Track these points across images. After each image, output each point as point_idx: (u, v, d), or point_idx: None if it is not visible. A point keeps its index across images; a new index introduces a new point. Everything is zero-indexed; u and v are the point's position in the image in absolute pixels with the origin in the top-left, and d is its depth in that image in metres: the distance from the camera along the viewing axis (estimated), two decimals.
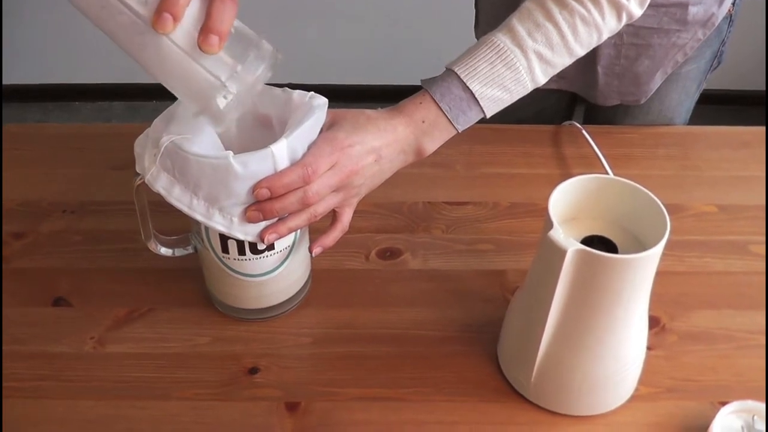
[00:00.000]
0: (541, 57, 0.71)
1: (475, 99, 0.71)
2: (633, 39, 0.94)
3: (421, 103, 0.72)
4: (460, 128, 0.73)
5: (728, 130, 1.05)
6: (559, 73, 1.01)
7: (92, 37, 2.69)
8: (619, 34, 0.93)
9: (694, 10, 0.92)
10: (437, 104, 0.72)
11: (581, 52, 0.74)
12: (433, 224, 0.89)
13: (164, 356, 0.75)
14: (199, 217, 0.65)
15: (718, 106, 2.13)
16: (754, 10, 2.25)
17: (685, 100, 1.05)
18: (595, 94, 1.02)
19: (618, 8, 0.72)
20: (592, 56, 0.97)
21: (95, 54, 2.42)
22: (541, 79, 0.73)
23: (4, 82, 2.37)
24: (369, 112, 0.72)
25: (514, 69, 0.71)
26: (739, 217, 0.91)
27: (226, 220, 0.65)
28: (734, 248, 0.87)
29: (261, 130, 0.71)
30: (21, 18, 2.34)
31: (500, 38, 0.71)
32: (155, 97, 2.41)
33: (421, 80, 0.74)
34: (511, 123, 0.96)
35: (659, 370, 0.74)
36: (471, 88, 0.71)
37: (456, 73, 0.71)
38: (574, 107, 1.16)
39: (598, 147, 0.95)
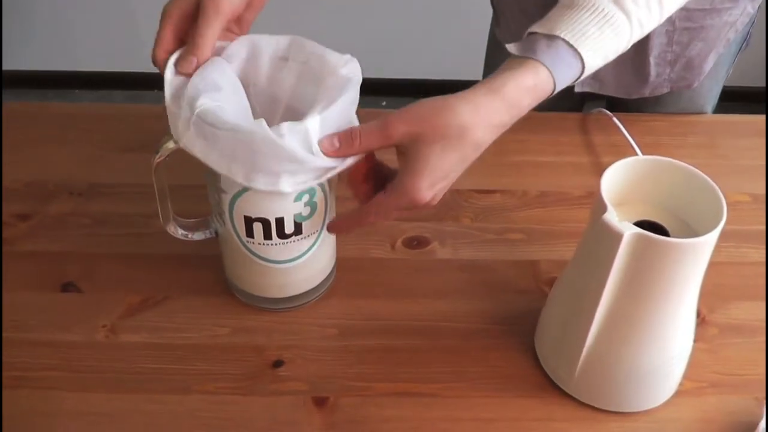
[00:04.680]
0: (640, 25, 0.64)
1: (582, 71, 0.63)
2: (685, 23, 0.90)
3: (535, 85, 0.61)
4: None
5: (756, 119, 1.02)
6: (597, 77, 0.98)
7: (93, 24, 2.66)
8: (671, 21, 0.90)
9: None
10: (554, 83, 0.62)
11: (658, 24, 0.67)
12: (461, 213, 0.85)
13: (182, 347, 0.70)
14: (240, 180, 0.60)
15: (733, 103, 2.10)
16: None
17: (714, 86, 1.02)
18: (644, 90, 0.98)
19: None
20: (643, 49, 0.93)
21: (96, 42, 2.37)
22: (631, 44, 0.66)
23: (3, 68, 2.31)
24: (466, 119, 0.59)
25: (612, 26, 0.63)
26: None
27: (271, 178, 0.60)
28: None
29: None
30: (20, 3, 2.28)
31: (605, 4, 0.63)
32: (156, 86, 2.36)
33: (525, 49, 0.63)
34: None
35: (702, 363, 0.71)
36: (583, 57, 0.62)
37: (569, 43, 0.62)
38: (585, 100, 1.12)
39: (629, 134, 0.92)
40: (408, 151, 0.60)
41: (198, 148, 0.60)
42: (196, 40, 0.62)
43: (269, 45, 0.66)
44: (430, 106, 0.60)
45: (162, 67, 0.63)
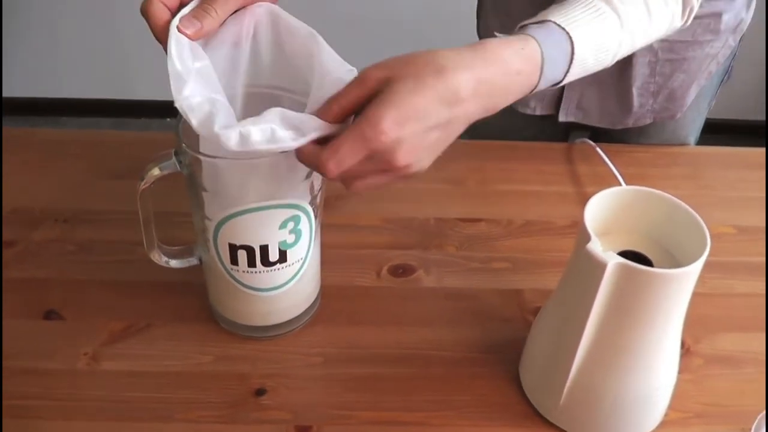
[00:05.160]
0: (631, 32, 0.63)
1: (572, 56, 0.61)
2: (668, 55, 0.92)
3: (522, 48, 0.58)
4: (540, 86, 0.60)
5: (740, 151, 1.03)
6: (581, 107, 0.99)
7: (80, 51, 2.65)
8: (653, 52, 0.91)
9: (726, 18, 0.90)
10: (541, 53, 0.59)
11: (650, 40, 0.67)
12: (446, 241, 0.85)
13: (164, 375, 0.70)
14: (233, 146, 0.55)
15: (717, 135, 2.13)
16: (757, 37, 2.25)
17: (697, 118, 1.04)
18: (627, 120, 0.99)
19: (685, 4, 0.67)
20: (626, 80, 0.95)
21: (83, 69, 2.38)
22: (615, 61, 0.65)
23: None
24: (446, 62, 0.55)
25: (603, 22, 0.62)
26: (759, 239, 0.88)
27: (265, 128, 0.55)
28: (756, 270, 0.84)
29: None
30: (7, 30, 2.29)
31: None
32: (144, 113, 2.36)
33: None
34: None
35: (687, 394, 0.71)
36: (573, 39, 0.60)
37: (560, 25, 0.60)
38: (571, 130, 1.13)
39: (613, 165, 0.92)
40: (380, 91, 0.54)
41: (193, 121, 0.55)
42: (209, 10, 0.59)
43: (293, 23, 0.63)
44: (409, 54, 0.56)
45: (152, 17, 0.58)
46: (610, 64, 0.65)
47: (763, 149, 1.02)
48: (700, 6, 0.82)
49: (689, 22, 0.70)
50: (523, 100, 1.01)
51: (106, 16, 2.23)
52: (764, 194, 0.95)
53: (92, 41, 2.30)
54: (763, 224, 0.90)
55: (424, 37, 2.27)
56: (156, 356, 0.71)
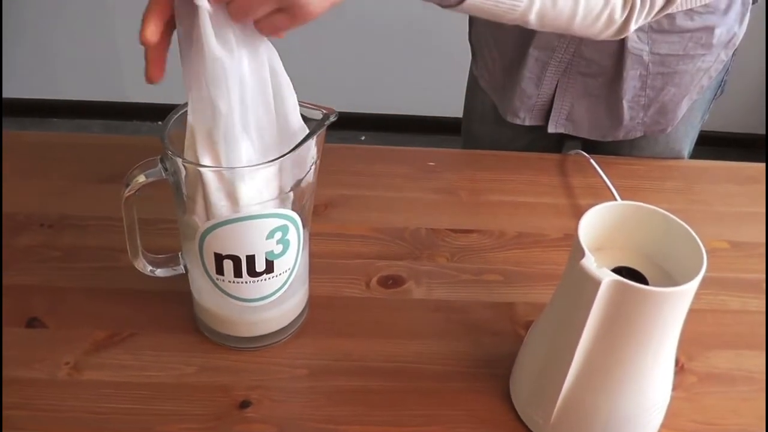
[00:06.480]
0: None
1: None
2: (659, 68, 0.91)
3: None
4: None
5: (734, 165, 1.02)
6: (571, 118, 0.98)
7: (72, 52, 2.64)
8: (644, 65, 0.90)
9: (718, 32, 0.89)
10: None
11: (580, 14, 0.67)
12: (437, 252, 0.84)
13: (147, 386, 0.68)
14: None
15: (709, 148, 2.13)
16: (750, 51, 2.25)
17: (690, 131, 1.03)
18: (617, 133, 0.99)
19: None
20: (617, 93, 0.94)
21: (75, 70, 2.36)
22: (533, 16, 0.66)
23: None
24: None
25: None
26: (753, 255, 0.87)
27: None
28: (750, 286, 0.83)
29: None
30: None
31: None
32: (135, 116, 2.35)
33: None
34: None
35: (681, 412, 0.70)
36: None
37: None
38: (563, 142, 1.12)
39: (607, 177, 0.91)
40: None
41: None
42: None
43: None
44: None
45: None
46: (529, 13, 0.64)
47: (763, 164, 1.01)
48: (692, 20, 0.81)
49: (634, 22, 0.69)
50: (512, 108, 1.00)
51: (99, 18, 2.22)
52: (757, 209, 0.94)
53: (84, 43, 2.29)
54: (757, 239, 0.89)
55: (417, 34, 2.28)
56: (139, 366, 0.70)
